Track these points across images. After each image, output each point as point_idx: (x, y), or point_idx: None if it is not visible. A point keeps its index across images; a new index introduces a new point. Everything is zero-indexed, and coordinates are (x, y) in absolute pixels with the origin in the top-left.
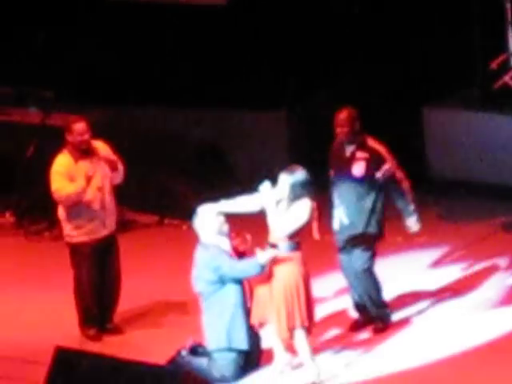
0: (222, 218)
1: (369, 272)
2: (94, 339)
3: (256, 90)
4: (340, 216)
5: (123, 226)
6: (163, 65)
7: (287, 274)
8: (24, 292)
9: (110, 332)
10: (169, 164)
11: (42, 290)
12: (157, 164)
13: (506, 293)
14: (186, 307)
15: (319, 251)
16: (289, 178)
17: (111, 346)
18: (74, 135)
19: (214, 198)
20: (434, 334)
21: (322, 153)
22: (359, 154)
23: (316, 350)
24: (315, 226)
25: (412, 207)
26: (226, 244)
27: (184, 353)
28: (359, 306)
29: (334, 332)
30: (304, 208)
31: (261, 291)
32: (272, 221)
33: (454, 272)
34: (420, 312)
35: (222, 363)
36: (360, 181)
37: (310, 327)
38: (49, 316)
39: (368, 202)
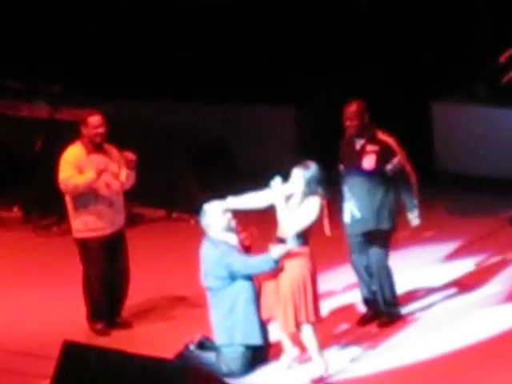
0: (229, 215)
1: (385, 268)
2: (103, 333)
3: (265, 85)
4: (351, 209)
5: (131, 220)
6: (171, 59)
7: (295, 268)
8: (32, 286)
9: (119, 326)
10: (177, 158)
11: (51, 284)
12: (165, 158)
13: None
14: (194, 301)
15: (327, 245)
16: (305, 173)
17: (119, 341)
18: (89, 128)
19: (222, 192)
20: (442, 329)
21: (330, 148)
22: (369, 147)
23: (324, 344)
24: (326, 222)
25: (416, 201)
26: (233, 239)
27: (192, 347)
28: (368, 301)
29: (341, 326)
30: (314, 205)
31: (269, 286)
32: (282, 217)
33: (461, 266)
34: (427, 306)
35: (230, 357)
36: (370, 174)
37: (316, 322)
38: (57, 310)
39: (379, 195)
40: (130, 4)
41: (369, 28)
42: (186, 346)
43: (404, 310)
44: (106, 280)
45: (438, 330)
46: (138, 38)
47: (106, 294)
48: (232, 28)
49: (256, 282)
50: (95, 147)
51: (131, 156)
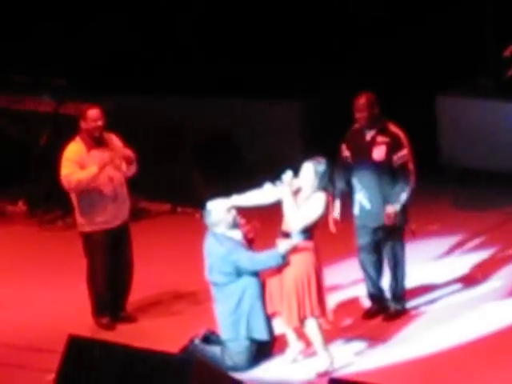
0: (234, 212)
1: (401, 262)
2: (107, 328)
3: (269, 79)
4: (360, 200)
5: (136, 214)
6: (176, 53)
7: (299, 263)
8: (37, 281)
9: (123, 320)
10: (182, 153)
11: (55, 278)
12: (169, 153)
13: None
14: (199, 296)
15: (332, 240)
16: (317, 168)
17: (124, 335)
18: (87, 121)
19: (227, 187)
20: (447, 323)
21: (335, 142)
22: (380, 139)
23: (329, 338)
24: (331, 218)
25: (403, 199)
26: (238, 235)
27: (197, 341)
28: (373, 295)
29: (347, 320)
30: (320, 200)
31: (273, 281)
32: (289, 211)
33: (465, 260)
34: (432, 300)
35: (235, 351)
36: (381, 166)
37: (325, 318)
38: (62, 304)
39: (389, 186)
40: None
41: (374, 21)
42: (191, 340)
43: (409, 304)
44: (110, 274)
45: (442, 324)
46: (143, 32)
47: (111, 287)
48: (237, 22)
49: (260, 277)
50: (95, 142)
51: (129, 153)
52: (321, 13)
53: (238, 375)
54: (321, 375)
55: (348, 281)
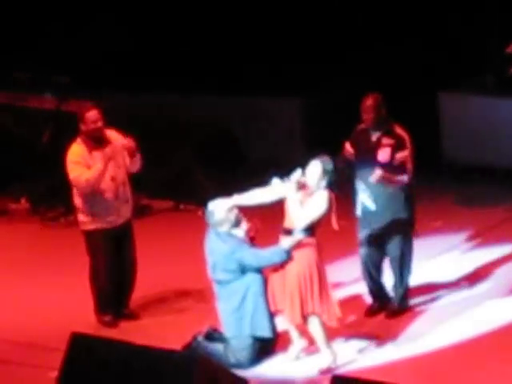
0: (235, 211)
1: (408, 259)
2: (110, 325)
3: (272, 76)
4: (364, 201)
5: (139, 211)
6: (179, 51)
7: (301, 260)
8: (40, 278)
9: (126, 318)
10: (184, 150)
11: (58, 276)
12: (172, 150)
13: None
14: (201, 293)
15: (334, 237)
16: (324, 166)
17: (127, 332)
18: (87, 123)
19: (229, 184)
20: (449, 320)
21: (337, 139)
22: (385, 140)
23: (331, 335)
24: (334, 216)
25: (396, 179)
26: (241, 232)
27: (200, 338)
28: (374, 293)
29: (349, 317)
30: (324, 198)
31: (275, 279)
32: (294, 209)
33: (468, 257)
34: (435, 298)
35: (238, 349)
36: (385, 167)
37: (330, 314)
38: (65, 302)
39: (395, 188)
40: None
41: (376, 19)
42: (194, 338)
43: (411, 302)
44: (113, 271)
45: (445, 321)
46: (145, 30)
47: (113, 285)
48: (240, 20)
49: (263, 274)
50: (96, 142)
51: (130, 143)
52: (322, 11)
53: (240, 372)
54: (324, 372)
55: (350, 278)
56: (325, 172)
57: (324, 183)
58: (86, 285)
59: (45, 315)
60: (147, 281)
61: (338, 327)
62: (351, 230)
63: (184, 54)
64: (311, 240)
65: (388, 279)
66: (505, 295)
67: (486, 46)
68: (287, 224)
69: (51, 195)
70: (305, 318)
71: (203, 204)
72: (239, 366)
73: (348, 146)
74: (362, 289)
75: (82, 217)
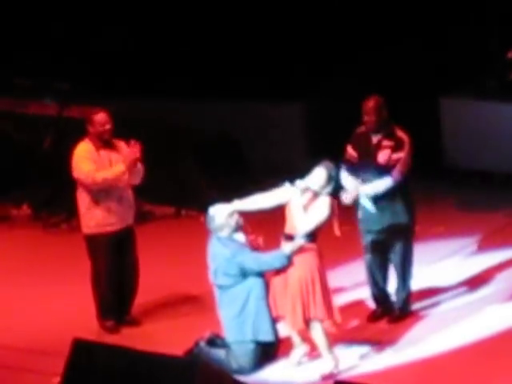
0: (236, 216)
1: (408, 263)
2: (112, 331)
3: (273, 81)
4: (365, 204)
5: (140, 217)
6: (180, 57)
7: (303, 265)
8: (42, 284)
9: (128, 324)
10: (185, 156)
11: (60, 282)
12: (173, 156)
13: None
14: (203, 299)
15: (336, 242)
16: (329, 172)
17: (129, 338)
18: (95, 126)
19: (230, 190)
20: (451, 325)
21: (339, 145)
22: (385, 143)
23: (334, 340)
24: (336, 222)
25: (377, 188)
26: (242, 237)
27: (202, 344)
28: (377, 298)
29: (351, 323)
30: (326, 204)
31: (277, 284)
32: (297, 215)
33: (469, 262)
34: (437, 302)
35: (240, 354)
36: (386, 169)
37: (331, 320)
38: (67, 308)
39: (395, 191)
40: (137, 2)
41: (377, 23)
42: (196, 343)
43: (414, 307)
44: (115, 276)
45: (447, 326)
46: (145, 36)
47: (115, 290)
48: (240, 25)
49: (265, 278)
50: (103, 143)
51: (133, 155)
52: (324, 17)
53: (243, 378)
54: (326, 377)
55: (353, 283)
56: (330, 178)
57: (328, 189)
58: (88, 291)
59: (47, 321)
60: (149, 286)
61: (340, 332)
62: (353, 235)
63: (185, 59)
64: (313, 246)
65: (391, 285)
66: (506, 300)
67: (487, 51)
68: (288, 229)
69: (53, 201)
70: (307, 323)
71: (205, 210)
72: (241, 371)
73: (350, 149)
74: (364, 294)
75: (84, 220)
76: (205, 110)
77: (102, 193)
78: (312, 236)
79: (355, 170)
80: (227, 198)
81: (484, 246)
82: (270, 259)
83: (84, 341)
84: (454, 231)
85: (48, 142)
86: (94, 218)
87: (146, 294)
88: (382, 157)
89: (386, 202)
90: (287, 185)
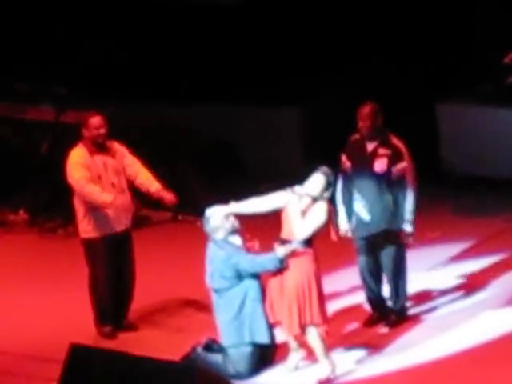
0: (232, 219)
1: (401, 269)
2: (109, 336)
3: (270, 87)
4: (359, 211)
5: (137, 222)
6: (176, 62)
7: (299, 270)
8: (38, 289)
9: (125, 329)
10: (182, 160)
11: (57, 287)
12: (170, 161)
13: None
14: (200, 303)
15: (331, 247)
16: (327, 179)
17: (126, 343)
18: (90, 129)
19: (227, 195)
20: (447, 330)
21: (335, 150)
22: (381, 151)
23: (330, 345)
24: (333, 227)
25: (409, 215)
26: (238, 240)
27: (199, 349)
28: (373, 303)
29: (348, 328)
30: (323, 209)
31: (274, 289)
32: (295, 221)
33: (467, 267)
34: (433, 308)
35: (237, 359)
36: (382, 177)
37: (326, 325)
38: (64, 313)
39: (389, 197)
40: (135, 7)
41: (374, 29)
42: (193, 348)
43: (410, 312)
44: (112, 282)
45: (443, 331)
46: (142, 41)
47: (113, 295)
48: (237, 30)
49: (261, 281)
50: (97, 148)
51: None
52: (322, 22)
53: (240, 383)
54: (322, 382)
55: (349, 288)
56: (328, 184)
57: (326, 195)
58: (85, 296)
59: (44, 326)
60: (146, 292)
61: (336, 337)
62: (350, 240)
63: (182, 63)
64: (309, 251)
65: (386, 290)
66: (503, 305)
67: (484, 57)
68: (285, 235)
69: (50, 206)
70: (303, 328)
71: (202, 215)
72: (238, 376)
73: (344, 159)
74: (360, 299)
75: (81, 225)
76: (202, 115)
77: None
78: (308, 241)
79: (350, 179)
80: (224, 202)
81: (481, 252)
82: (263, 261)
83: (81, 346)
84: (452, 236)
85: (45, 147)
86: (91, 223)
87: (143, 298)
88: (379, 165)
89: (381, 211)
90: (286, 190)
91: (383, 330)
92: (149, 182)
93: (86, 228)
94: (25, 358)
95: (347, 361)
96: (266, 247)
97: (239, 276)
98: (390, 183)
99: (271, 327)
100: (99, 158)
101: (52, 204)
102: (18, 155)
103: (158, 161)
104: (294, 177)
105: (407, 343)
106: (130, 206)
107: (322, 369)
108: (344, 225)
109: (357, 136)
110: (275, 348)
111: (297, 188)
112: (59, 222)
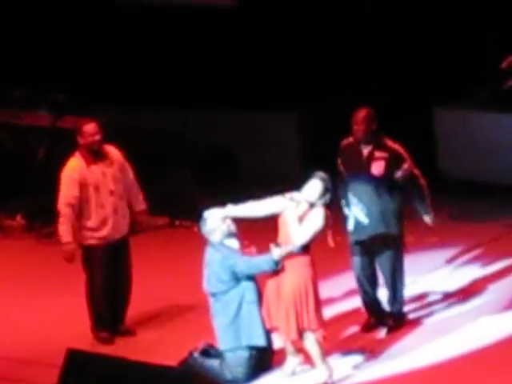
0: (228, 221)
1: (399, 273)
2: (106, 342)
3: (267, 91)
4: (357, 215)
5: (134, 227)
6: (174, 67)
7: (296, 276)
8: (35, 295)
9: (122, 334)
10: (180, 166)
11: (53, 292)
12: (167, 166)
13: None
14: (197, 309)
15: (328, 253)
16: (324, 184)
17: (123, 348)
18: (85, 136)
19: (224, 200)
20: (445, 335)
21: (332, 155)
22: (378, 154)
23: (327, 350)
24: (330, 233)
25: (429, 204)
26: (235, 244)
27: (196, 354)
28: (370, 308)
29: (345, 333)
30: (320, 215)
31: (271, 295)
32: (292, 227)
33: (465, 272)
34: (430, 313)
35: (234, 364)
36: (379, 180)
37: (323, 330)
38: (60, 318)
39: (387, 201)
40: (132, 12)
41: (372, 34)
42: (190, 354)
43: (408, 316)
44: (109, 288)
45: (441, 336)
46: (140, 46)
47: (109, 300)
48: (234, 35)
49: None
50: (94, 156)
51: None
52: (318, 27)
53: None
54: None
55: (346, 293)
56: (325, 190)
57: (324, 201)
58: (82, 301)
59: (40, 331)
60: (143, 297)
61: (333, 342)
62: (347, 245)
63: (181, 69)
64: (306, 256)
65: (383, 294)
66: (501, 311)
67: (481, 61)
68: (282, 240)
69: (46, 212)
70: (300, 333)
71: (199, 220)
72: (236, 381)
73: (339, 164)
74: (357, 304)
75: (80, 231)
76: (199, 119)
77: (97, 204)
78: (305, 246)
79: (346, 183)
80: (220, 207)
81: (478, 257)
82: (259, 262)
83: (78, 351)
84: (449, 242)
85: (42, 152)
86: (89, 229)
87: (140, 304)
88: (376, 168)
89: (379, 215)
90: (283, 195)
91: (380, 334)
92: (136, 201)
93: (84, 234)
94: (21, 364)
95: (344, 366)
96: (263, 253)
97: (236, 278)
98: (388, 186)
99: (268, 331)
100: (96, 168)
101: (49, 209)
102: (15, 160)
103: (155, 167)
104: (290, 182)
105: (404, 348)
106: (127, 213)
107: (319, 374)
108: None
109: (350, 140)
110: (272, 353)
111: (294, 194)
112: (56, 228)
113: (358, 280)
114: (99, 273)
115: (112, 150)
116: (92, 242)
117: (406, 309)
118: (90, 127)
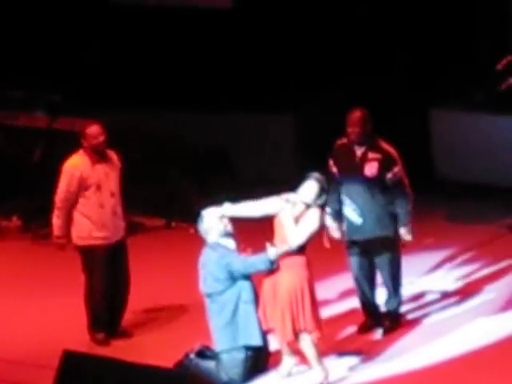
0: (225, 221)
1: (397, 275)
2: (103, 343)
3: (262, 93)
4: (349, 216)
5: (131, 229)
6: (171, 68)
7: (292, 277)
8: (32, 296)
9: (119, 336)
10: (176, 167)
11: (50, 294)
12: (164, 168)
13: None
14: (193, 310)
15: (324, 254)
16: (320, 186)
17: (119, 350)
18: (89, 139)
19: (221, 201)
20: (441, 336)
21: (327, 155)
22: (371, 155)
23: (323, 352)
24: (325, 234)
25: (408, 217)
26: (231, 244)
27: (192, 356)
28: (367, 309)
29: (341, 334)
30: (316, 216)
31: (267, 296)
32: (289, 228)
33: (460, 274)
34: (427, 314)
35: (230, 365)
36: (372, 181)
37: (319, 331)
38: (57, 320)
39: (381, 202)
40: (129, 13)
41: (366, 35)
42: (186, 355)
43: (404, 317)
44: (107, 289)
45: (438, 337)
46: (136, 47)
47: (107, 302)
48: (230, 36)
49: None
50: (99, 156)
51: None
52: (313, 28)
53: None
54: None
55: (342, 295)
56: (321, 191)
57: (319, 202)
58: (78, 303)
59: (37, 333)
60: (139, 298)
61: (330, 344)
62: (343, 246)
63: (175, 70)
64: (302, 257)
65: (380, 296)
66: (497, 311)
67: (477, 62)
68: (278, 241)
69: (43, 213)
70: (296, 335)
71: (195, 221)
72: (232, 383)
73: (331, 164)
74: (353, 305)
75: (75, 231)
76: (194, 121)
77: (98, 204)
78: (301, 247)
79: (338, 183)
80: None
81: (474, 258)
82: (255, 261)
83: (74, 352)
84: (445, 243)
85: (38, 153)
86: (86, 230)
87: (136, 305)
88: (369, 169)
89: (370, 213)
90: (279, 196)
91: (377, 336)
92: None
93: (81, 235)
94: (17, 365)
95: (340, 367)
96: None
97: (232, 278)
98: (382, 188)
99: (264, 332)
100: (101, 167)
101: (45, 211)
102: (11, 161)
103: (151, 168)
104: (286, 183)
105: (401, 349)
106: (123, 215)
107: (315, 375)
108: (332, 227)
109: (344, 141)
110: (268, 354)
111: (290, 195)
112: (52, 229)
113: (356, 280)
114: (99, 273)
115: (113, 155)
116: (92, 242)
117: (402, 309)
118: (94, 129)
